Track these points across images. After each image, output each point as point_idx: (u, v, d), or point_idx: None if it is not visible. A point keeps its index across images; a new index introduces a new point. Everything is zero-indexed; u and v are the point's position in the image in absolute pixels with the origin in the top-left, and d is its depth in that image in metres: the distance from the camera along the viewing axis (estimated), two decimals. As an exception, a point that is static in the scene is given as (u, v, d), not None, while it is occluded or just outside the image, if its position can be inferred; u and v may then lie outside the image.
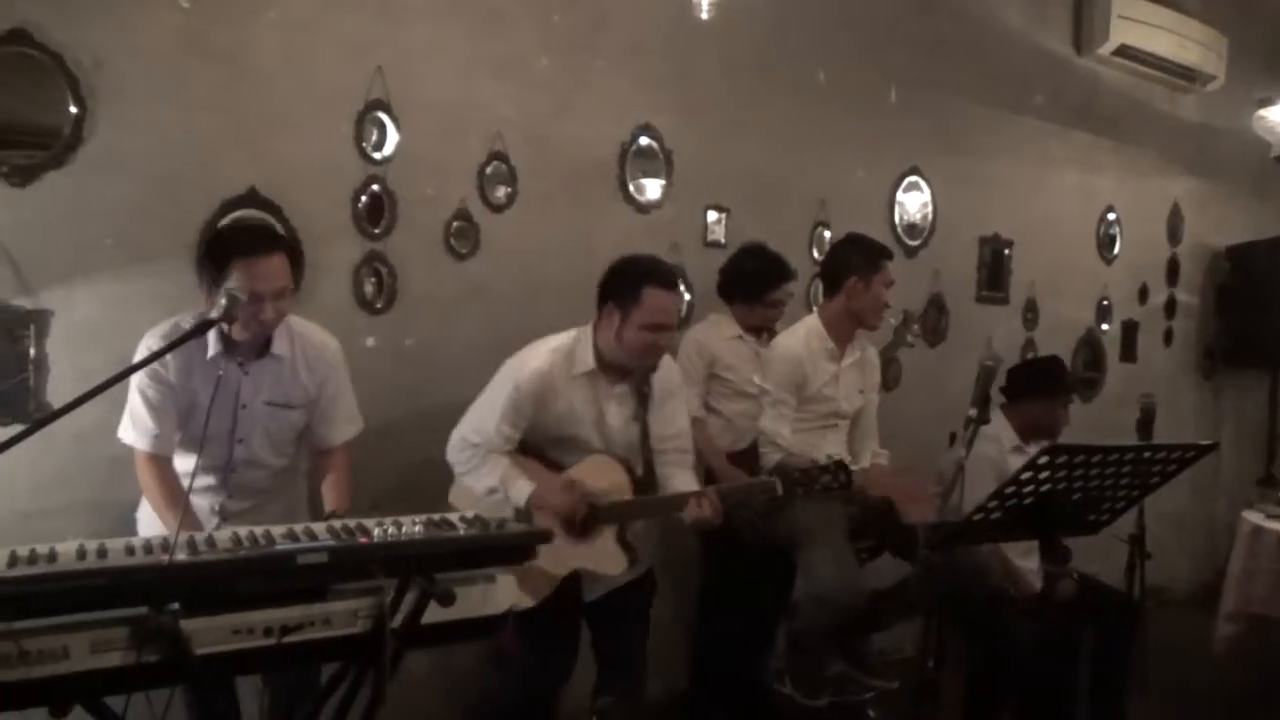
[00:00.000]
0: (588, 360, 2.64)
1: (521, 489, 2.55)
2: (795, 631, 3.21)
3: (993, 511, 2.29)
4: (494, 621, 1.91)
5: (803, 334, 3.20)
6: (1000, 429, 3.36)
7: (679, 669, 3.50)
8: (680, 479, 2.72)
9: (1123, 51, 4.91)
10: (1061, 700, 3.06)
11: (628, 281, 2.59)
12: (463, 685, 3.17)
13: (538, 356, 2.65)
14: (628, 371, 2.68)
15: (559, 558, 2.50)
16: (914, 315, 3.88)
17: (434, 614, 1.78)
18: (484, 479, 2.59)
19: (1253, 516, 3.79)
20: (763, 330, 3.44)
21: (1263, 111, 5.04)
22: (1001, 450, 3.31)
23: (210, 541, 1.72)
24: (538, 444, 2.69)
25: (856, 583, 2.93)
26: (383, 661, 1.74)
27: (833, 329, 3.20)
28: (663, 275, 2.62)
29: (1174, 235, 5.64)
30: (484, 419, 2.62)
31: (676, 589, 3.39)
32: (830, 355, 3.19)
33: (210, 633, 1.61)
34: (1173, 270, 5.65)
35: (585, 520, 2.58)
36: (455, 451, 2.66)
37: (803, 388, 3.15)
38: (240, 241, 2.26)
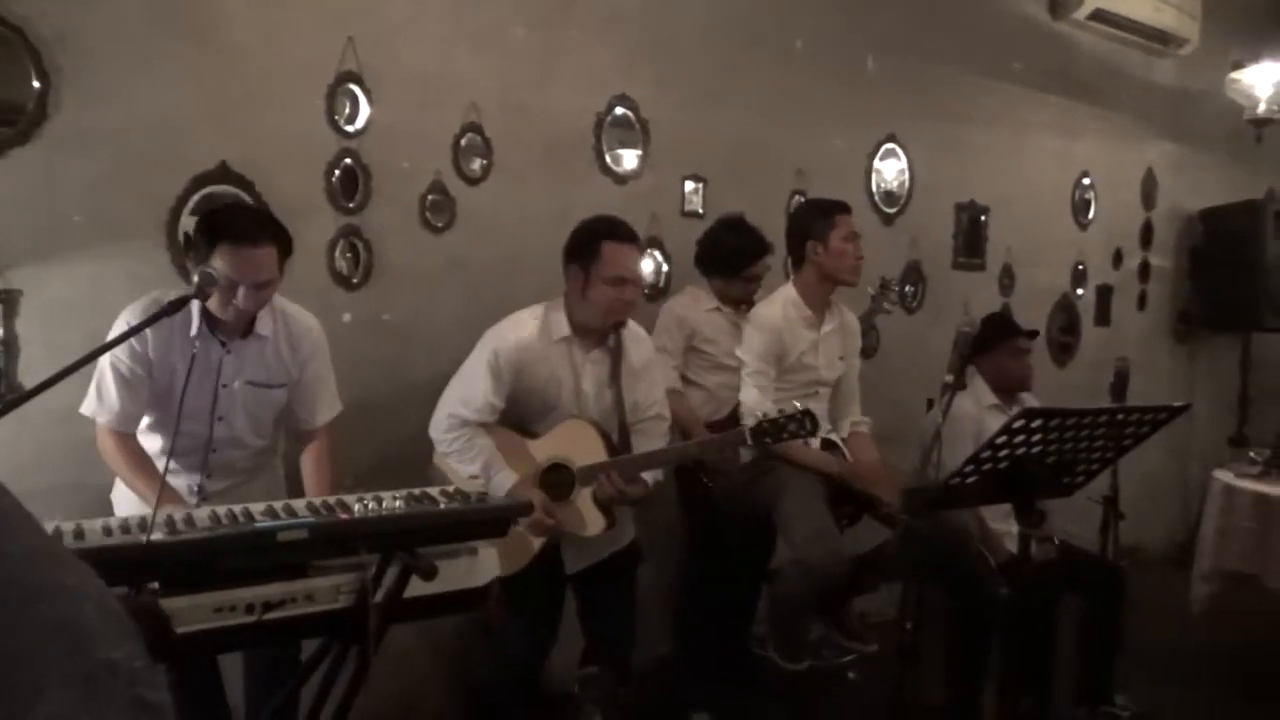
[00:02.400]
0: (562, 326, 2.69)
1: (502, 482, 2.59)
2: (777, 598, 3.25)
3: (969, 476, 2.32)
4: (477, 594, 1.93)
5: (780, 304, 3.21)
6: (977, 387, 3.42)
7: (663, 638, 3.53)
8: (654, 445, 2.78)
9: (1098, 15, 4.90)
10: (1039, 662, 3.13)
11: (586, 240, 2.67)
12: (447, 658, 3.20)
13: (515, 326, 2.69)
14: (601, 337, 2.72)
15: None
16: (891, 282, 3.90)
17: (416, 588, 1.79)
18: (468, 464, 2.61)
19: (1224, 476, 3.85)
20: (741, 303, 3.44)
21: (1236, 74, 5.01)
22: (979, 406, 3.37)
23: (189, 520, 1.72)
24: (514, 413, 2.71)
25: (838, 549, 2.97)
26: (366, 636, 1.75)
27: (808, 297, 3.21)
28: (619, 230, 2.68)
29: (1148, 199, 5.66)
30: (470, 391, 2.64)
31: (659, 559, 3.41)
32: (808, 323, 3.20)
33: (191, 611, 1.61)
34: (1146, 234, 5.68)
35: (563, 484, 2.64)
36: (440, 430, 2.67)
37: (782, 358, 3.17)
38: (232, 226, 2.23)
